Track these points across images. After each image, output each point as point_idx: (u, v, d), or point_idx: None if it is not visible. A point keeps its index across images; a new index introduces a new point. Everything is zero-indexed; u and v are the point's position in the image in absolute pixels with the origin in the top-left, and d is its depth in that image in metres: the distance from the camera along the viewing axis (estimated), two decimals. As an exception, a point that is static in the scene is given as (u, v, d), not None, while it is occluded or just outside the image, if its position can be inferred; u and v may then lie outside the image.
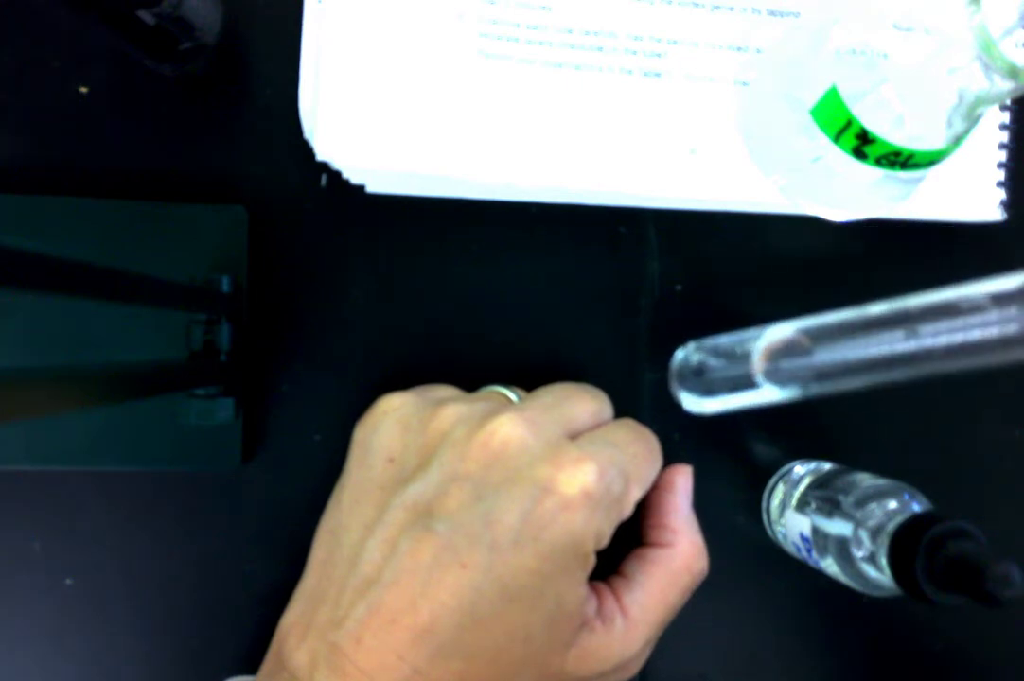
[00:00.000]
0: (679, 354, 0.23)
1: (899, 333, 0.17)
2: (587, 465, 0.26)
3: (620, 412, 0.30)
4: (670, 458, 0.31)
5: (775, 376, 0.20)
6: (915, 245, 0.36)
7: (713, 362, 0.22)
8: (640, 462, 0.28)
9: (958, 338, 0.16)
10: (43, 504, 0.33)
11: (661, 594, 0.28)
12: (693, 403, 0.22)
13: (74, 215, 0.32)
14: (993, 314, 0.16)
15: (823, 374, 0.19)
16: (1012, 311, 0.15)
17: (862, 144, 0.29)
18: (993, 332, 0.16)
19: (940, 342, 0.17)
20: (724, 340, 0.21)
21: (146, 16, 0.28)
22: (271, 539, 0.33)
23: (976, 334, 0.16)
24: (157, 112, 0.33)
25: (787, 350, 0.19)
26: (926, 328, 0.17)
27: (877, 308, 0.18)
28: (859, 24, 0.29)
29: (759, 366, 0.20)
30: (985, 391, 0.37)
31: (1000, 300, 0.16)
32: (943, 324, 0.17)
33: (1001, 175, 0.35)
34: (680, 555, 0.29)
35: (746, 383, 0.20)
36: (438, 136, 0.31)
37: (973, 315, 0.16)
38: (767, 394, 0.20)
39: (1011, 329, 0.15)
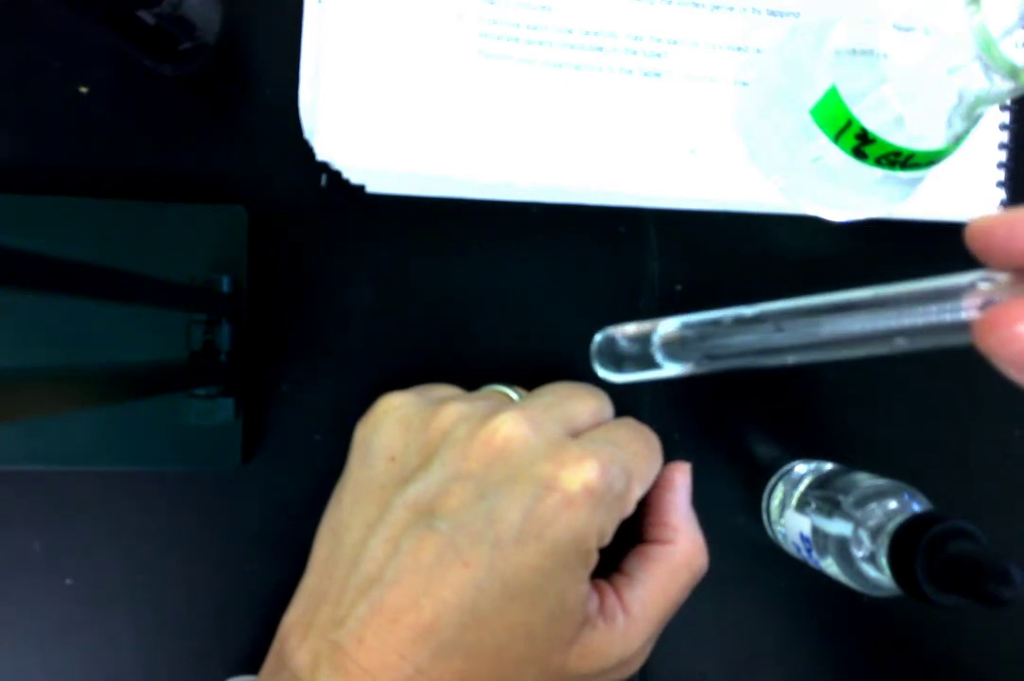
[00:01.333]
0: (598, 337, 0.28)
1: (768, 328, 0.22)
2: (589, 463, 0.26)
3: (620, 412, 0.31)
4: (670, 457, 0.31)
5: (671, 356, 0.25)
6: (915, 245, 0.36)
7: (624, 344, 0.27)
8: (641, 460, 0.28)
9: (810, 334, 0.21)
10: (43, 504, 0.33)
11: (662, 591, 0.28)
12: (606, 375, 0.28)
13: (74, 215, 0.32)
14: (836, 316, 0.21)
15: (710, 356, 0.24)
16: (848, 317, 0.21)
17: (862, 144, 0.29)
18: (836, 331, 0.21)
19: (794, 337, 0.22)
20: (632, 328, 0.27)
21: (146, 16, 0.28)
22: (271, 539, 0.33)
23: (826, 333, 0.21)
24: (157, 112, 0.33)
25: (678, 338, 0.25)
26: (787, 325, 0.22)
27: (748, 310, 0.23)
28: (859, 24, 0.29)
29: (658, 350, 0.25)
30: (985, 391, 0.37)
31: (840, 308, 0.21)
32: (799, 323, 0.22)
33: (1001, 175, 0.35)
34: (680, 552, 0.29)
35: (649, 362, 0.26)
36: (438, 136, 0.31)
37: (822, 316, 0.21)
38: (668, 371, 0.25)
39: (847, 331, 0.21)
